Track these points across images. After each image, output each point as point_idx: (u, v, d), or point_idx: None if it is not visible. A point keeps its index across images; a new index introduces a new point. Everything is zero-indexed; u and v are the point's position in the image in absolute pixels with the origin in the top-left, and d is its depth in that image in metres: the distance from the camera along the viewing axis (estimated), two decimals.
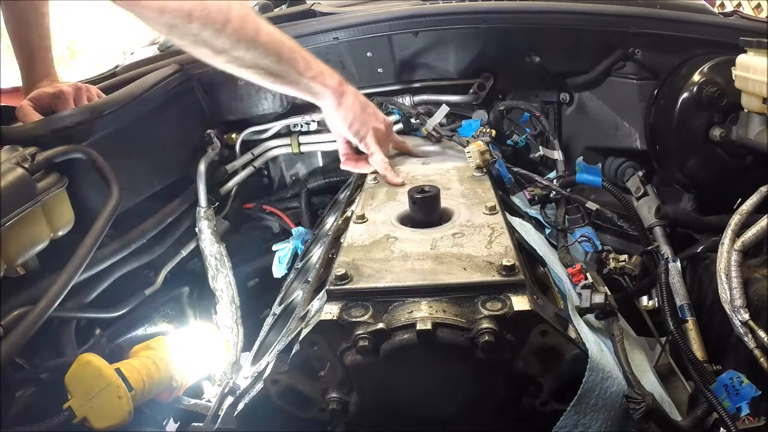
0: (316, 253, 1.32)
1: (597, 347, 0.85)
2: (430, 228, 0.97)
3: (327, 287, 0.81)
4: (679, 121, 1.45)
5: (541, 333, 0.77)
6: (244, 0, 1.10)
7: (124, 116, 1.33)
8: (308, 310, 0.89)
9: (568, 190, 1.36)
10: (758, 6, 4.36)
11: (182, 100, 1.62)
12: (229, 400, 0.94)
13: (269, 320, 1.23)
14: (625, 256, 1.28)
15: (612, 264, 1.26)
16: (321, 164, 1.94)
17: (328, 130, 1.86)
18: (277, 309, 1.25)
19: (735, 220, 1.16)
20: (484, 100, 1.76)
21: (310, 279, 1.10)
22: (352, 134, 1.30)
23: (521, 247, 1.02)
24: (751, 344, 1.03)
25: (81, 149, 1.15)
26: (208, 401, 1.33)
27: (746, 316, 1.05)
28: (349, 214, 1.12)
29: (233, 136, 1.81)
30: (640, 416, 0.81)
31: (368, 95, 1.76)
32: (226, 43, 1.07)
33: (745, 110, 1.33)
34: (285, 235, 1.80)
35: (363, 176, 1.34)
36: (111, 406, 1.04)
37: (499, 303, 0.77)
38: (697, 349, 1.16)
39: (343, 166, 1.39)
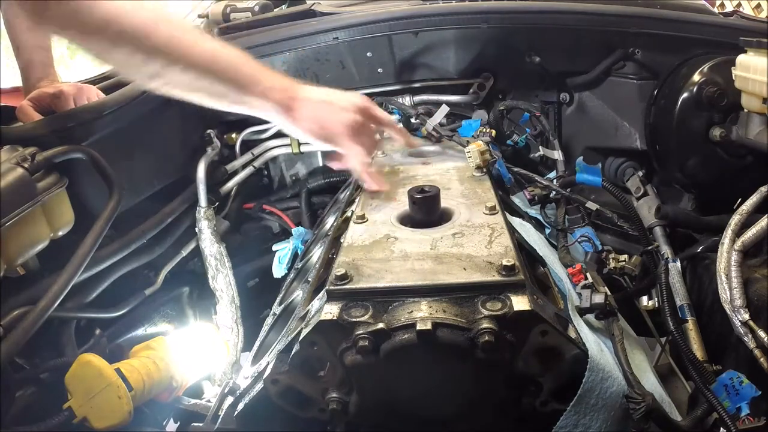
0: (316, 253, 1.32)
1: (597, 347, 0.85)
2: (430, 228, 0.97)
3: (327, 287, 0.81)
4: (679, 121, 1.45)
5: (541, 333, 0.77)
6: (172, 18, 1.03)
7: (124, 116, 1.33)
8: (308, 310, 0.89)
9: (568, 190, 1.36)
10: (758, 6, 4.36)
11: (182, 100, 1.62)
12: (229, 400, 0.94)
13: (269, 320, 1.23)
14: (625, 256, 1.28)
15: (612, 264, 1.26)
16: (321, 164, 1.94)
17: None
18: (277, 309, 1.25)
19: (735, 220, 1.16)
20: (484, 100, 1.76)
21: (310, 279, 1.10)
22: (320, 142, 1.16)
23: (521, 247, 1.02)
24: (751, 344, 1.03)
25: (81, 149, 1.15)
26: (208, 401, 1.33)
27: (746, 316, 1.05)
28: (349, 214, 1.12)
29: (233, 136, 1.81)
30: (640, 416, 0.81)
31: (368, 95, 1.77)
32: (157, 67, 0.99)
33: (745, 110, 1.33)
34: (285, 235, 1.80)
35: None
36: (111, 406, 1.04)
37: (499, 303, 0.77)
38: (697, 349, 1.16)
39: (328, 164, 1.32)
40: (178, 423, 1.33)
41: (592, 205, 1.30)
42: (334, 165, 1.23)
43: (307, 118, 1.12)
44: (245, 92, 1.07)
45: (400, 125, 1.35)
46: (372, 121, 1.20)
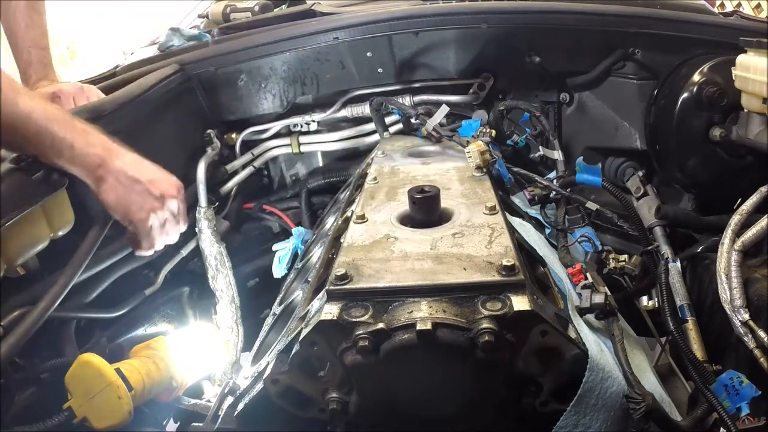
0: (316, 253, 1.32)
1: (597, 347, 0.85)
2: (430, 228, 0.97)
3: (327, 287, 0.81)
4: (679, 121, 1.45)
5: (541, 333, 0.77)
6: None
7: (124, 116, 1.33)
8: (308, 310, 0.89)
9: (568, 190, 1.36)
10: (758, 6, 4.36)
11: (182, 100, 1.62)
12: (229, 400, 0.94)
13: (269, 320, 1.23)
14: (625, 256, 1.28)
15: (612, 264, 1.26)
16: (321, 164, 1.94)
17: (328, 130, 1.88)
18: (277, 309, 1.25)
19: (735, 220, 1.16)
20: (484, 100, 1.76)
21: (310, 279, 1.10)
22: (117, 218, 1.11)
23: (521, 247, 1.02)
24: (751, 344, 1.03)
25: None
26: (208, 401, 1.33)
27: (746, 316, 1.05)
28: (349, 214, 1.12)
29: (233, 136, 1.81)
30: (640, 416, 0.81)
31: (368, 95, 1.77)
32: None
33: (745, 110, 1.33)
34: (285, 235, 1.80)
35: (363, 176, 1.34)
36: (111, 406, 1.03)
37: (499, 303, 0.77)
38: (697, 349, 1.16)
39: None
40: (178, 423, 1.33)
41: (592, 205, 1.30)
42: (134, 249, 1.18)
43: (112, 193, 1.07)
44: (53, 157, 1.01)
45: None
46: (180, 204, 1.18)
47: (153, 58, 1.81)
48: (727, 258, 1.11)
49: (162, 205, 1.13)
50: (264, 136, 1.84)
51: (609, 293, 0.97)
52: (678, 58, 1.53)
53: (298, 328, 0.85)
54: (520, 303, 0.76)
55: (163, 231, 1.16)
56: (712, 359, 1.15)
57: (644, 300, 1.35)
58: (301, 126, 1.85)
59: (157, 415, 1.24)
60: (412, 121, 1.62)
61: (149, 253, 1.18)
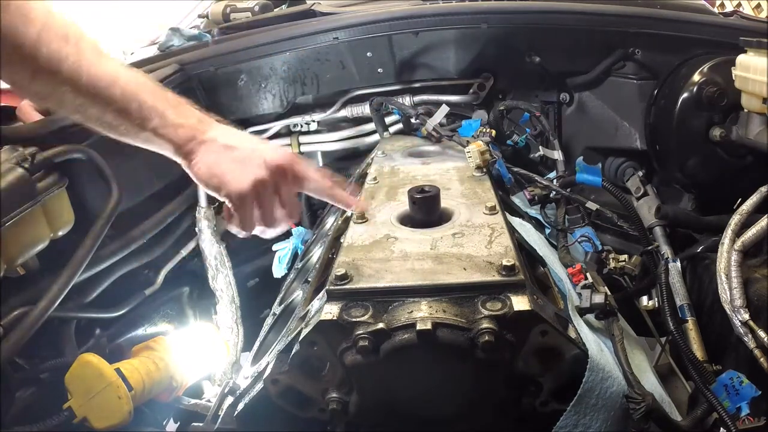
0: (316, 253, 1.32)
1: (597, 347, 0.85)
2: (430, 228, 0.97)
3: (327, 287, 0.81)
4: (679, 121, 1.45)
5: (541, 333, 0.77)
6: (65, 26, 0.83)
7: None
8: (308, 310, 0.89)
9: (568, 190, 1.36)
10: (758, 6, 4.36)
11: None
12: (229, 400, 0.94)
13: (269, 320, 1.23)
14: (625, 256, 1.28)
15: (612, 264, 1.26)
16: (321, 164, 1.94)
17: (328, 130, 1.88)
18: (277, 309, 1.25)
19: (735, 220, 1.16)
20: (484, 100, 1.76)
21: (310, 279, 1.10)
22: (211, 192, 0.94)
23: (521, 247, 1.02)
24: (751, 344, 1.03)
25: (81, 149, 1.15)
26: (208, 401, 1.33)
27: (746, 316, 1.05)
28: (349, 214, 1.12)
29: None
30: (640, 416, 0.81)
31: (368, 95, 1.77)
32: (44, 87, 0.83)
33: (745, 110, 1.33)
34: (285, 235, 1.80)
35: (363, 176, 1.34)
36: (111, 406, 1.04)
37: (499, 303, 0.77)
38: (697, 349, 1.16)
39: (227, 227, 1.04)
40: (178, 423, 1.33)
41: (592, 205, 1.31)
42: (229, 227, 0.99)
43: (203, 163, 0.93)
44: (141, 126, 0.89)
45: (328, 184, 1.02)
46: (291, 184, 0.96)
47: (153, 58, 1.81)
48: (727, 258, 1.11)
49: (268, 176, 0.92)
50: (264, 136, 1.83)
51: (609, 293, 0.97)
52: (678, 58, 1.53)
53: (298, 328, 0.85)
54: (520, 303, 0.76)
55: (266, 209, 0.95)
56: (712, 359, 1.15)
57: (644, 300, 1.35)
58: (301, 126, 1.85)
59: (157, 415, 1.24)
60: (412, 121, 1.62)
61: (243, 234, 0.97)
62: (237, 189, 0.92)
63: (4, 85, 0.85)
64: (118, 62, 0.90)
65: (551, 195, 1.37)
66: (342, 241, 0.97)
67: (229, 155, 0.93)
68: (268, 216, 0.95)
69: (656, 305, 1.29)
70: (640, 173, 1.63)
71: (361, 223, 1.02)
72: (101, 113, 0.87)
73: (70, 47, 0.83)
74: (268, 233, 0.99)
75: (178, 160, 0.95)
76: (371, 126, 1.79)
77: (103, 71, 0.86)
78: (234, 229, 0.97)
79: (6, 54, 0.79)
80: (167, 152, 0.95)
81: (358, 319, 0.76)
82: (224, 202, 0.95)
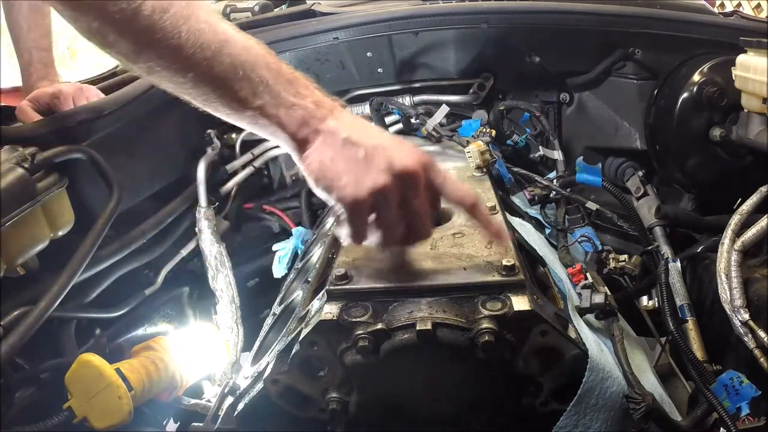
0: (316, 253, 1.32)
1: (597, 347, 0.85)
2: None
3: (327, 287, 0.81)
4: (679, 121, 1.45)
5: (541, 333, 0.77)
6: None
7: (125, 116, 1.32)
8: (308, 310, 0.89)
9: (568, 190, 1.36)
10: (758, 6, 4.36)
11: (182, 101, 1.62)
12: (229, 400, 0.94)
13: (269, 320, 1.23)
14: (625, 256, 1.28)
15: (612, 264, 1.26)
16: None
17: None
18: (277, 309, 1.25)
19: (735, 220, 1.16)
20: (484, 100, 1.76)
21: (310, 279, 1.10)
22: (321, 193, 0.80)
23: (521, 247, 1.02)
24: (751, 344, 1.03)
25: (81, 149, 1.15)
26: (208, 401, 1.33)
27: (746, 316, 1.05)
28: None
29: (233, 136, 1.81)
30: (640, 416, 0.81)
31: (368, 95, 1.77)
32: (132, 45, 0.73)
33: (745, 110, 1.33)
34: (285, 235, 1.80)
35: None
36: (111, 406, 1.03)
37: (499, 303, 0.77)
38: (697, 349, 1.16)
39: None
40: (178, 423, 1.33)
41: (592, 205, 1.31)
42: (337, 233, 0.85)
43: (316, 158, 0.79)
44: (242, 102, 0.78)
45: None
46: (422, 194, 0.78)
47: None
48: (727, 258, 1.11)
49: (393, 183, 0.76)
50: None
51: (609, 293, 0.97)
52: (678, 58, 1.53)
53: (298, 328, 0.85)
54: (520, 303, 0.76)
55: (385, 222, 0.78)
56: (712, 359, 1.15)
57: (644, 300, 1.35)
58: None
59: (157, 415, 1.24)
60: (412, 121, 1.61)
61: (349, 242, 0.82)
62: (351, 196, 0.76)
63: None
64: (233, 26, 0.78)
65: (551, 195, 1.37)
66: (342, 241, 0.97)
67: (348, 153, 0.77)
68: (388, 230, 0.79)
69: (656, 305, 1.29)
70: (640, 173, 1.63)
71: None
72: (199, 80, 0.76)
73: (169, 6, 0.71)
74: (386, 245, 0.82)
75: (289, 149, 0.82)
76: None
77: (212, 30, 0.74)
78: (343, 239, 0.82)
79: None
80: (278, 139, 0.81)
81: (358, 319, 0.76)
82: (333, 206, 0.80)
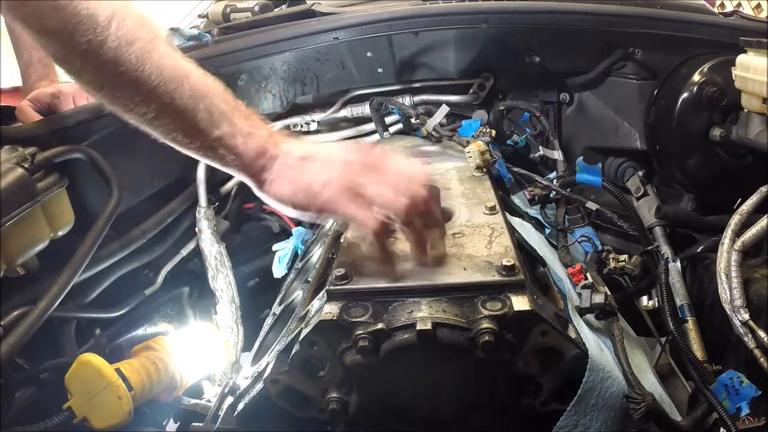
0: (316, 253, 1.32)
1: (597, 347, 0.85)
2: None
3: (327, 287, 0.81)
4: (679, 121, 1.45)
5: (541, 333, 0.77)
6: (135, 15, 0.78)
7: None
8: (308, 310, 0.89)
9: (568, 190, 1.36)
10: (758, 6, 4.36)
11: None
12: (229, 400, 0.94)
13: (269, 320, 1.23)
14: (625, 256, 1.28)
15: (612, 264, 1.26)
16: None
17: (328, 130, 1.87)
18: (277, 309, 1.25)
19: (735, 220, 1.16)
20: (484, 100, 1.76)
21: (310, 279, 1.10)
22: (298, 212, 0.86)
23: (521, 247, 1.02)
24: (751, 344, 1.03)
25: (81, 149, 1.15)
26: (208, 401, 1.33)
27: (746, 316, 1.05)
28: None
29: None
30: (640, 416, 0.81)
31: (368, 95, 1.77)
32: (97, 76, 0.77)
33: (745, 110, 1.33)
34: (285, 235, 1.80)
35: None
36: (111, 406, 1.04)
37: (499, 303, 0.77)
38: (697, 349, 1.16)
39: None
40: (178, 423, 1.33)
41: (592, 205, 1.30)
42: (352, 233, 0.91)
43: (283, 180, 0.83)
44: (202, 133, 0.81)
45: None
46: (377, 177, 0.83)
47: None
48: (727, 258, 1.11)
49: (359, 167, 0.82)
50: None
51: (609, 293, 0.97)
52: (678, 58, 1.52)
53: (298, 328, 0.85)
54: (520, 303, 0.76)
55: (369, 195, 0.81)
56: (712, 359, 1.15)
57: (644, 300, 1.35)
58: (301, 126, 1.85)
59: (157, 415, 1.24)
60: (412, 121, 1.61)
61: (377, 235, 0.82)
62: (336, 191, 0.80)
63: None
64: (191, 61, 0.83)
65: (551, 195, 1.37)
66: (342, 241, 0.97)
67: (309, 165, 0.83)
68: (382, 197, 0.81)
69: (656, 305, 1.29)
70: (640, 173, 1.62)
71: None
72: (161, 112, 0.79)
73: (143, 32, 0.77)
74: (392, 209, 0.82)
75: (246, 178, 0.85)
76: (371, 126, 1.79)
77: (173, 64, 0.79)
78: (365, 233, 0.85)
79: (75, 27, 0.72)
80: (232, 168, 0.84)
81: (358, 319, 0.76)
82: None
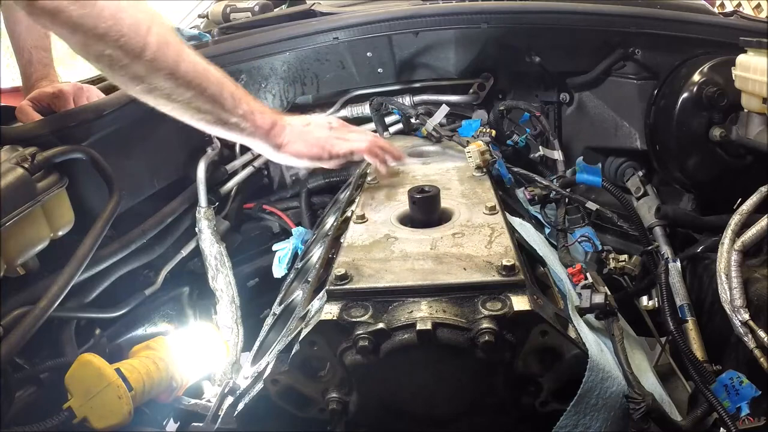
0: (316, 253, 1.32)
1: (597, 347, 0.85)
2: (430, 228, 0.97)
3: (327, 287, 0.81)
4: (679, 121, 1.45)
5: (541, 333, 0.77)
6: (165, 23, 1.00)
7: (124, 116, 1.32)
8: (308, 310, 0.89)
9: (568, 190, 1.36)
10: (758, 6, 4.36)
11: None
12: (229, 400, 0.94)
13: (269, 320, 1.23)
14: (625, 256, 1.28)
15: (612, 264, 1.26)
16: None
17: None
18: (277, 309, 1.25)
19: (735, 220, 1.16)
20: (484, 100, 1.76)
21: (310, 279, 1.10)
22: (312, 161, 1.22)
23: (521, 247, 1.01)
24: (751, 344, 1.03)
25: (81, 149, 1.15)
26: (208, 401, 1.33)
27: (746, 316, 1.05)
28: (349, 214, 1.12)
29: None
30: (640, 416, 0.81)
31: (368, 95, 1.77)
32: (142, 70, 0.95)
33: (745, 110, 1.33)
34: (285, 235, 1.80)
35: (363, 176, 1.34)
36: (111, 406, 1.04)
37: (499, 303, 0.77)
38: (697, 349, 1.16)
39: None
40: (178, 423, 1.33)
41: (592, 205, 1.31)
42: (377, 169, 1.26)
43: (294, 141, 1.16)
44: (230, 112, 1.06)
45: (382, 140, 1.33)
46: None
47: None
48: (727, 258, 1.11)
49: (332, 125, 1.24)
50: None
51: (609, 293, 0.97)
52: (678, 58, 1.53)
53: (298, 328, 0.85)
54: (520, 303, 0.76)
55: (362, 139, 1.24)
56: (712, 359, 1.15)
57: (644, 300, 1.35)
58: None
59: (157, 415, 1.24)
60: (412, 121, 1.61)
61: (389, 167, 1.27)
62: (332, 144, 1.19)
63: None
64: (202, 57, 1.04)
65: (551, 195, 1.37)
66: (342, 241, 0.97)
67: (311, 129, 1.19)
68: (354, 138, 1.24)
69: (656, 305, 1.29)
70: (640, 173, 1.63)
71: (361, 223, 1.02)
72: (195, 98, 1.01)
73: (173, 36, 0.99)
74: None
75: (265, 145, 1.14)
76: (371, 126, 1.79)
77: (198, 60, 1.01)
78: (382, 168, 1.25)
79: (120, 43, 0.90)
80: (255, 138, 1.12)
81: (358, 319, 0.76)
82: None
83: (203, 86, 1.01)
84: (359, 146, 1.22)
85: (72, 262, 1.07)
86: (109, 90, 1.44)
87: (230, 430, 0.88)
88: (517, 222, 1.13)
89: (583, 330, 0.86)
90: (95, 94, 1.40)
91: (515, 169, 1.41)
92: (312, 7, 1.85)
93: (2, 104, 1.30)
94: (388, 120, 1.76)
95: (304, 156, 1.18)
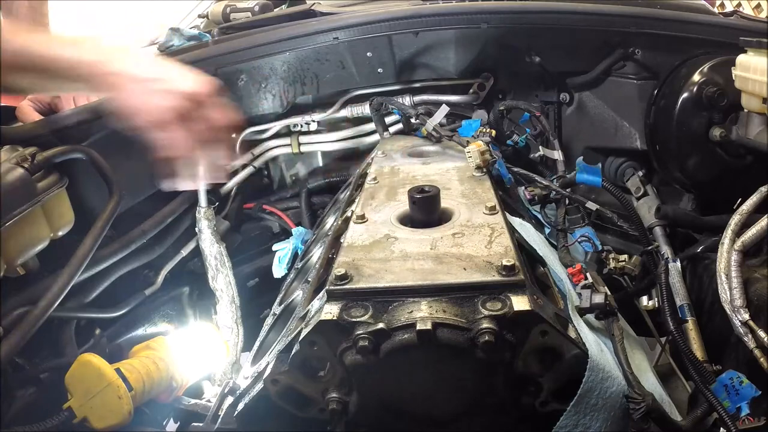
0: (316, 253, 1.32)
1: (597, 347, 0.85)
2: (430, 228, 0.97)
3: (327, 287, 0.81)
4: (679, 121, 1.45)
5: (541, 333, 0.77)
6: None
7: None
8: (308, 310, 0.89)
9: (568, 190, 1.36)
10: (758, 6, 4.36)
11: None
12: (229, 400, 0.94)
13: (269, 320, 1.23)
14: (625, 256, 1.28)
15: (612, 264, 1.26)
16: (321, 164, 1.94)
17: (328, 130, 1.88)
18: (277, 309, 1.25)
19: (735, 220, 1.16)
20: (484, 100, 1.76)
21: (310, 279, 1.10)
22: (146, 131, 1.04)
23: (521, 247, 1.01)
24: (751, 344, 1.03)
25: (81, 149, 1.15)
26: (208, 401, 1.33)
27: (746, 316, 1.05)
28: (349, 214, 1.12)
29: (233, 136, 1.81)
30: (640, 416, 0.81)
31: (368, 95, 1.77)
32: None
33: (745, 110, 1.33)
34: (285, 235, 1.80)
35: (363, 176, 1.34)
36: (111, 406, 1.04)
37: (499, 303, 0.77)
38: (697, 349, 1.16)
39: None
40: (178, 423, 1.33)
41: (592, 205, 1.30)
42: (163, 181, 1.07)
43: (126, 97, 0.99)
44: (73, 78, 0.98)
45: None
46: (204, 117, 1.01)
47: None
48: (727, 258, 1.11)
49: (181, 100, 0.97)
50: (264, 136, 1.83)
51: (609, 293, 0.97)
52: (678, 58, 1.53)
53: (298, 328, 0.84)
54: (520, 303, 0.76)
55: (192, 127, 0.99)
56: (712, 359, 1.15)
57: (644, 300, 1.35)
58: (301, 126, 1.85)
59: (157, 415, 1.24)
60: (412, 121, 1.61)
61: (180, 186, 1.06)
62: (146, 121, 0.98)
63: None
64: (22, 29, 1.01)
65: (551, 195, 1.37)
66: (342, 241, 0.97)
67: (150, 87, 0.98)
68: (196, 136, 1.00)
69: (656, 305, 1.29)
70: (640, 173, 1.63)
71: (361, 223, 1.02)
72: (37, 80, 0.98)
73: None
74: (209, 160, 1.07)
75: (109, 98, 1.02)
76: (371, 126, 1.79)
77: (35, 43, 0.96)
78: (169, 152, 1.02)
79: None
80: (100, 92, 1.06)
81: (358, 319, 0.76)
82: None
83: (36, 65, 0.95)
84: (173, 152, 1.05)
85: (72, 262, 1.07)
86: None
87: (230, 430, 0.88)
88: (517, 222, 1.13)
89: (583, 330, 0.86)
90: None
91: (515, 169, 1.41)
92: (312, 7, 1.85)
93: (2, 104, 1.30)
94: (388, 120, 1.77)
95: (122, 116, 1.02)
